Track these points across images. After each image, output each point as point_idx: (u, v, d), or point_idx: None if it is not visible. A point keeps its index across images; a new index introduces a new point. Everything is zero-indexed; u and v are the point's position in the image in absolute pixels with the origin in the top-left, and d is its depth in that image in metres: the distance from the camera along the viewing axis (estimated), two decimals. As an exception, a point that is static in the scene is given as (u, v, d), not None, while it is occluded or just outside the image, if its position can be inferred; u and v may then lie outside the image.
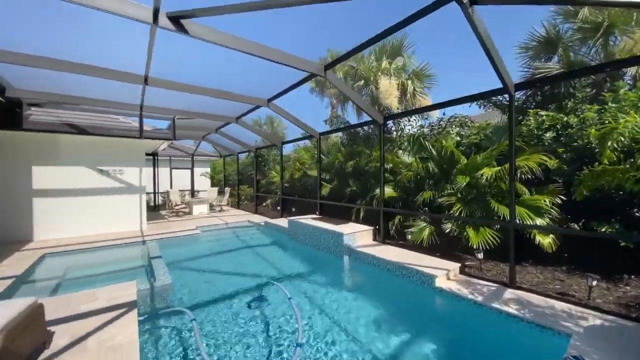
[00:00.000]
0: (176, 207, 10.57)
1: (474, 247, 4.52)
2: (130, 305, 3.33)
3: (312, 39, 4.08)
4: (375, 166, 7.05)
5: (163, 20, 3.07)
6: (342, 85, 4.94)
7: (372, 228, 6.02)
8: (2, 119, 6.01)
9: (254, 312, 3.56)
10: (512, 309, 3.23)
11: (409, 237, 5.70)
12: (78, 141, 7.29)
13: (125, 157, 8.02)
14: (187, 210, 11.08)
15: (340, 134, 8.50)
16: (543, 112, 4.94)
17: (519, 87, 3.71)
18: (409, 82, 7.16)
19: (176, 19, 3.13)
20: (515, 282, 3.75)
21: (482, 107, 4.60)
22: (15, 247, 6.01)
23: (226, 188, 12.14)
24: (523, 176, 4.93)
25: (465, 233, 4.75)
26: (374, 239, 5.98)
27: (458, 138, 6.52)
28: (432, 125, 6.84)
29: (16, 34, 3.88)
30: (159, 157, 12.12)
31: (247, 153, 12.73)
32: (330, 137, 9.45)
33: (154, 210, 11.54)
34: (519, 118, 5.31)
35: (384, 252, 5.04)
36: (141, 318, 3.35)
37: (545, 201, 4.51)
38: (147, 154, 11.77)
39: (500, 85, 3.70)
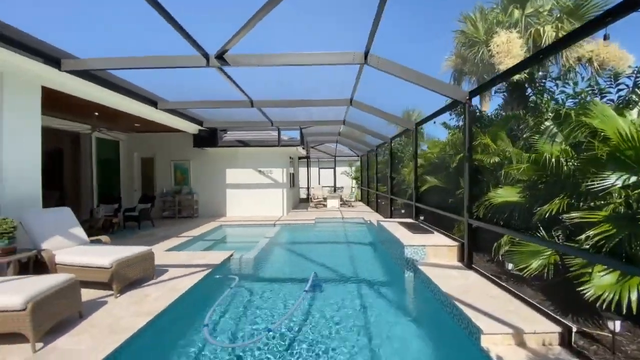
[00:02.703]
0: (315, 200, 12.57)
1: (600, 300, 2.47)
2: (210, 267, 4.75)
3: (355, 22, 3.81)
4: (491, 162, 5.13)
5: (212, 61, 4.16)
6: (393, 67, 4.11)
7: (457, 244, 4.58)
8: (209, 141, 9.96)
9: (305, 296, 3.94)
10: None
11: (509, 265, 3.87)
12: (247, 151, 10.56)
13: (274, 161, 10.67)
14: (325, 203, 12.87)
15: (451, 120, 6.71)
16: None
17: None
18: (548, 27, 4.53)
19: (220, 56, 4.12)
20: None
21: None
22: (212, 219, 9.74)
23: (354, 186, 12.89)
24: None
25: (581, 271, 2.67)
26: (460, 259, 4.51)
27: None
28: (601, 90, 3.95)
29: (199, 90, 6.34)
30: (311, 159, 14.87)
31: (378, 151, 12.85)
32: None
33: (306, 201, 14.30)
34: None
35: (448, 279, 3.79)
36: (217, 276, 4.71)
37: None
38: (300, 158, 14.78)
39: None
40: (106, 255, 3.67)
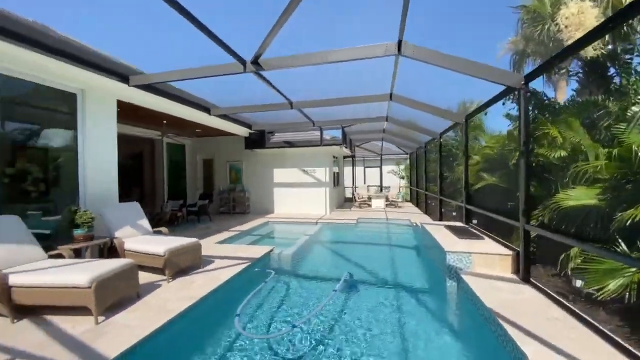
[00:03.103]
0: (359, 200, 12.34)
1: None
2: (250, 260, 5.05)
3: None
4: (556, 157, 4.34)
5: (249, 66, 4.40)
6: (431, 55, 3.74)
7: (512, 253, 3.98)
8: (258, 142, 10.60)
9: (334, 295, 3.90)
10: None
11: (577, 282, 3.22)
12: (292, 152, 10.93)
13: (317, 160, 10.83)
14: (370, 203, 12.55)
15: (511, 110, 5.75)
16: None
17: None
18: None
19: (255, 61, 4.34)
20: None
21: None
22: (261, 216, 10.34)
23: (401, 185, 12.25)
24: None
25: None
26: (515, 270, 3.92)
27: None
28: None
29: (243, 95, 6.84)
30: (356, 158, 14.63)
31: (428, 148, 12.00)
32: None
33: (350, 201, 14.15)
34: None
35: (495, 293, 3.33)
36: (256, 269, 4.97)
37: None
38: (345, 157, 14.65)
39: None
40: (162, 244, 4.19)
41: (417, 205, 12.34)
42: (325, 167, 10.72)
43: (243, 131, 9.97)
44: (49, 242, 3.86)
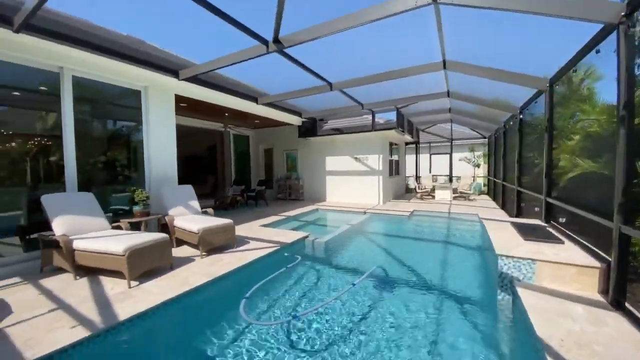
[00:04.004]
0: (420, 191, 11.14)
1: None
2: (281, 244, 5.12)
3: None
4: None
5: (271, 46, 4.28)
6: None
7: (601, 266, 2.85)
8: (310, 131, 10.63)
9: (352, 289, 3.61)
10: None
11: None
12: (343, 139, 10.58)
13: (370, 147, 10.20)
14: (433, 194, 11.24)
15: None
16: None
17: None
18: None
19: (276, 40, 4.19)
20: None
21: None
22: (312, 203, 10.44)
23: (476, 175, 10.42)
24: None
25: None
26: (604, 290, 2.80)
27: None
28: None
29: (280, 80, 6.92)
30: (421, 145, 13.17)
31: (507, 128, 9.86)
32: None
33: (412, 192, 12.94)
34: None
35: (560, 319, 2.46)
36: (286, 253, 4.98)
37: None
38: (407, 143, 13.36)
39: None
40: (199, 223, 4.59)
41: (495, 198, 10.42)
42: (378, 154, 10.02)
43: (295, 120, 10.13)
44: (123, 216, 4.67)
